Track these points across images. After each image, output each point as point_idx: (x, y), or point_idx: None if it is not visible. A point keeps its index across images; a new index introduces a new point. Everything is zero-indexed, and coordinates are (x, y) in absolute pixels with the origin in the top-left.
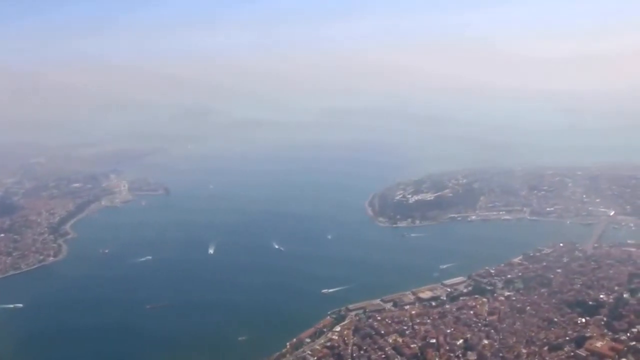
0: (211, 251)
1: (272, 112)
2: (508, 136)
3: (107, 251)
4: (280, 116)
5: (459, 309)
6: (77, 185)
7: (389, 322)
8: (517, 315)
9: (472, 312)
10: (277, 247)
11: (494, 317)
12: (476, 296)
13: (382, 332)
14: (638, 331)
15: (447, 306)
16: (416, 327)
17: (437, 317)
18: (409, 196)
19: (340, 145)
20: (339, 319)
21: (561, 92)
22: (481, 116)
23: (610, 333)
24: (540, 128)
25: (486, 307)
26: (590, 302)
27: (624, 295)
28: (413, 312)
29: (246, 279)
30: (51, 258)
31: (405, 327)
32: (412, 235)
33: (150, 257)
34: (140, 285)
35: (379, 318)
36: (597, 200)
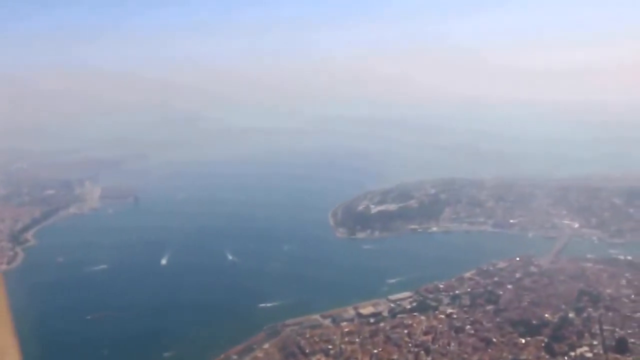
0: (164, 262)
1: (262, 119)
2: (494, 145)
3: (61, 259)
4: (270, 123)
5: (393, 327)
6: (50, 192)
7: (317, 340)
8: (454, 334)
9: (406, 331)
10: (230, 257)
11: (428, 337)
12: (415, 313)
13: (307, 351)
14: (576, 355)
15: (382, 324)
16: (343, 346)
17: (367, 335)
18: (372, 206)
19: (324, 152)
20: (273, 334)
21: (554, 102)
22: (468, 124)
23: (547, 356)
24: (527, 138)
25: (423, 326)
26: (535, 321)
27: (569, 315)
28: (346, 329)
29: (190, 291)
30: (4, 266)
31: (331, 347)
32: (365, 247)
33: (105, 266)
34: (89, 294)
35: (307, 336)
36: (564, 212)
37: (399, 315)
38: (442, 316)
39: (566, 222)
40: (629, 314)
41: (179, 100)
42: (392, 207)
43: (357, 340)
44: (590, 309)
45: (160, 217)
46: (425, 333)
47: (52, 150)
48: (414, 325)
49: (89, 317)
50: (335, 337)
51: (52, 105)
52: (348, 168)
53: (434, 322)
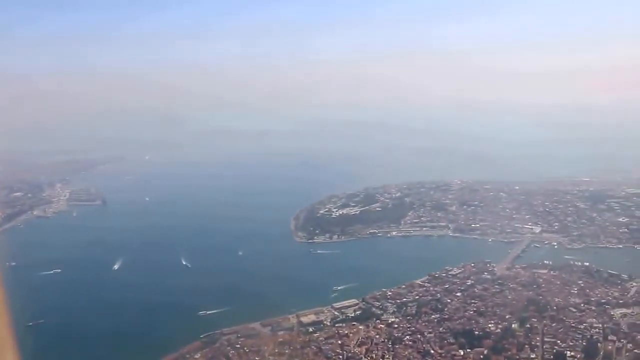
0: (116, 267)
1: (252, 122)
2: (476, 148)
3: (14, 263)
4: (259, 125)
5: (328, 337)
6: (18, 194)
7: (247, 350)
8: (391, 346)
9: (340, 341)
10: (184, 263)
11: (362, 349)
12: (354, 323)
13: None
14: None
15: (317, 334)
16: (272, 357)
17: (299, 347)
18: (334, 210)
19: (307, 154)
20: (210, 343)
21: (542, 105)
22: (455, 127)
23: None
24: (512, 140)
25: (359, 336)
26: (477, 332)
27: (513, 325)
28: (279, 339)
29: (135, 298)
30: None
31: (258, 358)
32: (319, 251)
33: (59, 270)
34: (36, 299)
35: (237, 346)
36: (527, 216)
37: (337, 325)
38: (382, 326)
39: (528, 226)
40: (573, 325)
41: (174, 102)
42: (354, 210)
43: (287, 351)
44: (534, 320)
45: (123, 220)
46: (360, 344)
47: (37, 152)
48: (350, 335)
49: (30, 324)
50: (265, 347)
51: (49, 107)
52: (329, 170)
53: (372, 332)
